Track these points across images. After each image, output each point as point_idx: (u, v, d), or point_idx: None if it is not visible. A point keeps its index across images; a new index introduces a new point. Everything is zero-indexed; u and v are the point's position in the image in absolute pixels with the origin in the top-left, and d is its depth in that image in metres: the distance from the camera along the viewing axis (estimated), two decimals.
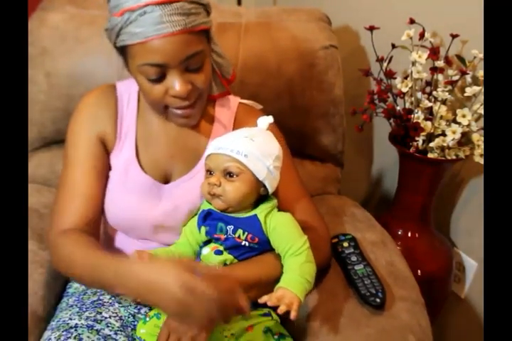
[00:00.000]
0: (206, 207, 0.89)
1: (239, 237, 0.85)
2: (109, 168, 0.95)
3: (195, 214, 0.92)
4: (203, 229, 0.88)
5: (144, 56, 0.78)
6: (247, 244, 0.85)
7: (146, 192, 0.94)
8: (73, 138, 0.94)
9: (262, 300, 0.78)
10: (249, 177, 0.85)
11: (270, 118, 0.89)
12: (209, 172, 0.87)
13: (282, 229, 0.85)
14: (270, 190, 0.88)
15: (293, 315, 0.76)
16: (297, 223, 0.88)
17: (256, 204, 0.88)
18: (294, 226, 0.87)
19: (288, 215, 0.88)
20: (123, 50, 0.82)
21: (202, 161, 0.93)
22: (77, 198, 0.91)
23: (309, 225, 0.94)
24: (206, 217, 0.88)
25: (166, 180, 0.96)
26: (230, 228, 0.86)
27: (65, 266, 0.87)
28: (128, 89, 0.96)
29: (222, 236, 0.86)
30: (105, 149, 0.94)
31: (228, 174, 0.84)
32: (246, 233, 0.85)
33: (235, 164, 0.84)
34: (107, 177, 0.94)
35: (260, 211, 0.86)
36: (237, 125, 0.97)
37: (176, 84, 0.81)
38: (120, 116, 0.95)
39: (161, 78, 0.81)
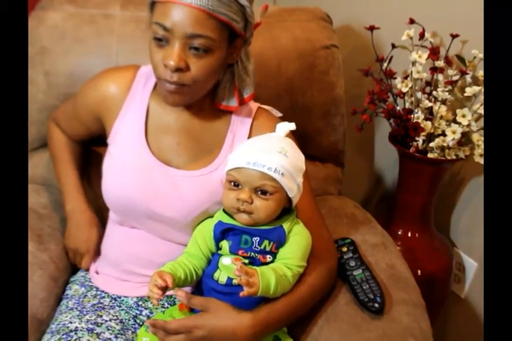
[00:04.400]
0: (224, 219, 0.86)
1: (265, 248, 0.83)
2: (99, 136, 1.03)
3: (207, 218, 0.90)
4: (226, 243, 0.84)
5: (159, 15, 0.81)
6: (271, 259, 0.84)
7: (148, 173, 0.92)
8: (81, 94, 1.03)
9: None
10: (283, 196, 0.83)
11: (292, 126, 0.86)
12: (233, 183, 0.83)
13: (295, 243, 0.85)
14: (294, 204, 0.87)
15: (241, 293, 0.76)
16: (310, 247, 0.88)
17: (279, 215, 0.86)
18: (305, 249, 0.86)
19: (308, 236, 0.88)
20: (152, 6, 0.84)
21: (216, 161, 0.92)
22: (71, 124, 1.08)
23: (318, 250, 0.92)
24: (225, 232, 0.85)
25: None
26: (256, 240, 0.83)
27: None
28: (150, 72, 0.94)
29: (247, 255, 0.83)
30: (100, 123, 1.00)
31: (261, 191, 0.81)
32: (272, 243, 0.83)
33: (271, 183, 0.80)
34: (92, 141, 1.10)
35: (285, 222, 0.85)
36: (254, 128, 0.95)
37: (170, 53, 0.81)
38: (132, 94, 0.95)
39: (165, 44, 0.82)
